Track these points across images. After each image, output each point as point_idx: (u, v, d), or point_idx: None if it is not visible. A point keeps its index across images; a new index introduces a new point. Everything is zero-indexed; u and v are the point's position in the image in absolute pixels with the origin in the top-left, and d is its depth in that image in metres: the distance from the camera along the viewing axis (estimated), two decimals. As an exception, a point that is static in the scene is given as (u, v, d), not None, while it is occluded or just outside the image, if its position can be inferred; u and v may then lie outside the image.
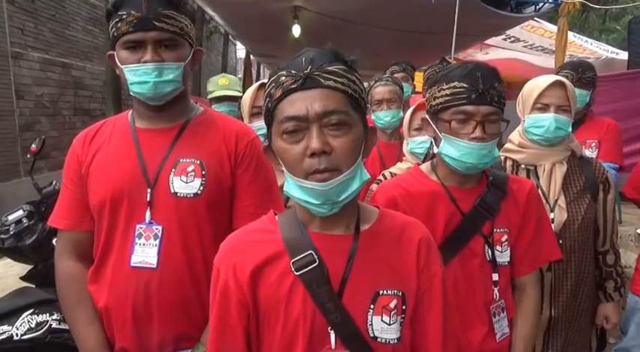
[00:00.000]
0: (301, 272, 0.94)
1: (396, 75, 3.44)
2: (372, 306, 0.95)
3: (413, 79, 3.55)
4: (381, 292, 0.96)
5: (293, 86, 0.88)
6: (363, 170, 0.94)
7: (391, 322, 0.95)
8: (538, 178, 1.79)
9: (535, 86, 1.79)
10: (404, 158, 2.21)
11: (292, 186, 0.93)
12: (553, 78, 1.78)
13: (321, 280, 0.93)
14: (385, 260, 0.98)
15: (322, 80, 0.88)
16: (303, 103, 0.88)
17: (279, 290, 0.95)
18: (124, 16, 1.22)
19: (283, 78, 0.90)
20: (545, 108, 1.76)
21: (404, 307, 0.97)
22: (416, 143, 2.09)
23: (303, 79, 0.88)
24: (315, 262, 0.94)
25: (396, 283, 0.97)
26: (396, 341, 0.96)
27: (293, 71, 0.89)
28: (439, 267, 1.03)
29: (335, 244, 0.97)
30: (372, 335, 0.95)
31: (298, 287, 0.94)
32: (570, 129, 1.79)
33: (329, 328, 0.93)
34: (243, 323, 0.98)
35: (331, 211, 0.93)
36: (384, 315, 0.95)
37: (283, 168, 0.94)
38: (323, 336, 0.94)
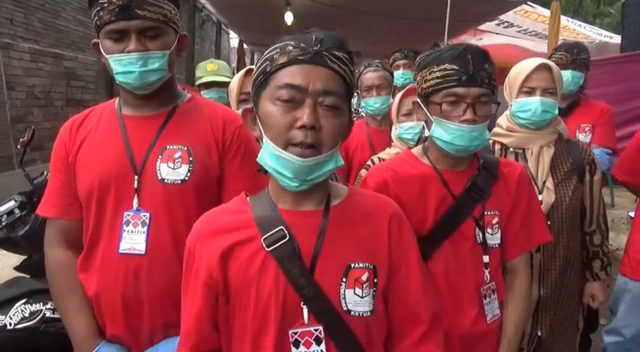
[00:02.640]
0: (272, 248, 0.95)
1: (397, 62, 3.42)
2: (344, 279, 0.96)
3: None
4: (352, 265, 0.97)
5: (301, 57, 0.90)
6: (339, 156, 0.97)
7: (364, 295, 0.97)
8: (526, 161, 1.81)
9: (521, 70, 1.79)
10: (392, 144, 2.21)
11: (268, 155, 0.93)
12: (538, 61, 1.78)
13: (292, 255, 0.95)
14: (355, 234, 1.00)
15: (329, 61, 0.91)
16: (305, 76, 0.89)
17: (250, 268, 0.96)
18: (106, 5, 1.20)
19: (291, 48, 0.91)
20: (531, 92, 1.77)
21: (375, 280, 0.99)
22: (404, 128, 2.09)
23: (312, 54, 0.90)
24: (286, 237, 0.95)
25: (367, 256, 0.99)
26: (369, 313, 0.98)
27: (302, 44, 0.91)
28: (412, 239, 1.05)
29: (305, 220, 0.99)
30: (345, 308, 0.96)
31: (270, 263, 0.96)
32: (557, 112, 1.80)
33: (302, 303, 0.95)
34: (209, 304, 1.00)
35: (299, 188, 0.94)
36: (356, 288, 0.96)
37: (261, 134, 0.94)
38: (296, 312, 0.95)
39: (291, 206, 0.99)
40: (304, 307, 0.95)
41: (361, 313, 0.97)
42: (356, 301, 0.96)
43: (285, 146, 0.90)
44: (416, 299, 1.03)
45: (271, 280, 0.95)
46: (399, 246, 1.02)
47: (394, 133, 2.17)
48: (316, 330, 0.95)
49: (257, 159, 0.96)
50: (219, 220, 1.03)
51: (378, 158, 2.17)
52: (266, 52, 0.95)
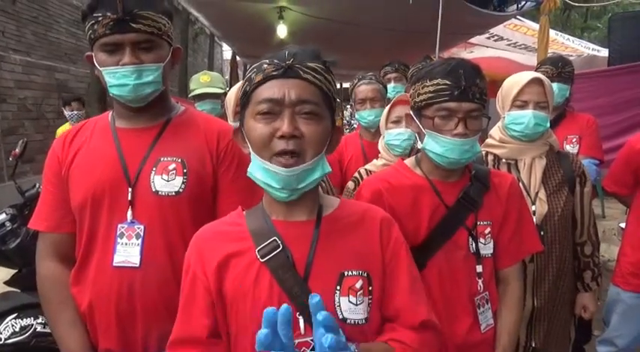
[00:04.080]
0: (266, 258, 0.97)
1: (388, 75, 3.45)
2: (338, 287, 0.97)
3: (407, 79, 3.47)
4: (346, 273, 0.98)
5: (274, 73, 0.94)
6: (325, 163, 0.98)
7: (358, 302, 0.97)
8: (519, 172, 1.83)
9: (514, 83, 1.83)
10: (379, 155, 2.23)
11: (256, 168, 0.97)
12: (531, 75, 1.81)
13: (286, 265, 0.96)
14: (348, 242, 1.01)
15: (301, 72, 0.95)
16: (280, 89, 0.93)
17: (245, 279, 0.97)
18: (100, 18, 1.20)
19: (265, 65, 0.96)
20: (524, 106, 1.80)
21: (370, 288, 1.00)
22: (392, 135, 2.11)
23: (285, 68, 0.94)
24: (279, 247, 0.97)
25: (361, 264, 1.00)
26: (364, 321, 0.98)
27: (276, 61, 0.95)
28: (402, 242, 1.06)
29: (298, 230, 1.00)
30: (341, 316, 0.96)
31: (264, 274, 0.97)
32: (548, 125, 1.84)
33: (297, 313, 0.95)
34: (209, 308, 0.99)
35: (290, 197, 0.96)
36: (350, 296, 0.97)
37: (250, 151, 0.97)
38: (292, 323, 0.95)
39: (283, 217, 1.01)
40: (300, 317, 0.95)
41: (356, 321, 0.97)
42: (351, 309, 0.97)
43: (270, 157, 0.93)
44: (402, 304, 1.01)
45: (266, 291, 0.96)
46: (388, 250, 1.03)
47: (382, 142, 2.19)
48: (312, 340, 0.94)
49: (247, 174, 0.99)
50: (216, 232, 1.05)
51: (365, 169, 2.20)
52: (247, 72, 1.00)
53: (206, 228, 1.08)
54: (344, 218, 1.04)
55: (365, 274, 0.99)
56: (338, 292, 0.97)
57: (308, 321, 0.94)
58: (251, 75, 0.97)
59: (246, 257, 0.99)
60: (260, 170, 0.95)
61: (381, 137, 2.20)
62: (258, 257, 0.97)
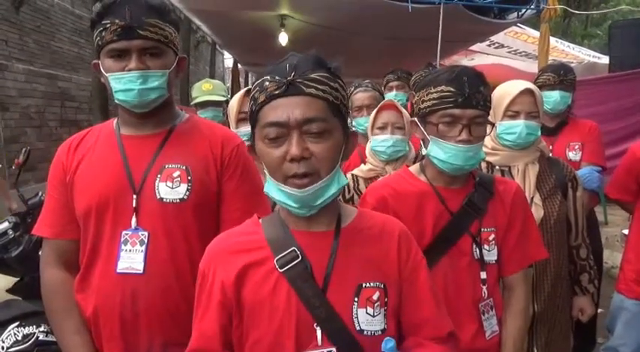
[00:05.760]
0: (285, 268, 0.96)
1: (390, 83, 3.48)
2: (356, 299, 0.97)
3: (409, 87, 3.50)
4: (364, 285, 0.98)
5: (276, 92, 0.91)
6: (341, 175, 0.97)
7: (375, 314, 0.97)
8: (513, 178, 1.85)
9: (505, 94, 1.84)
10: (366, 159, 2.23)
11: (272, 188, 0.97)
12: (522, 86, 1.83)
13: (304, 275, 0.96)
14: (366, 254, 1.01)
15: (304, 87, 0.91)
16: (284, 110, 0.91)
17: (263, 288, 0.97)
18: (108, 25, 1.22)
19: (267, 83, 0.93)
20: (515, 116, 1.82)
21: (386, 299, 0.99)
22: (378, 141, 2.12)
23: (286, 85, 0.91)
24: (298, 258, 0.96)
25: (378, 275, 0.99)
26: (380, 332, 0.97)
27: (277, 77, 0.92)
28: (421, 257, 1.06)
29: (317, 240, 0.99)
30: (358, 328, 0.96)
31: (282, 284, 0.96)
32: (539, 133, 1.86)
33: (315, 324, 0.94)
34: (221, 323, 0.99)
35: (309, 213, 0.96)
36: (368, 307, 0.97)
37: (264, 168, 0.97)
38: (309, 333, 0.95)
39: (302, 227, 1.00)
40: (317, 328, 0.94)
41: (373, 332, 0.97)
42: (368, 320, 0.96)
43: (285, 180, 0.93)
44: (429, 316, 1.03)
45: (284, 301, 0.95)
46: (408, 264, 1.03)
47: (368, 147, 2.20)
48: None
49: (264, 192, 0.99)
50: (232, 242, 1.04)
51: (352, 174, 2.20)
52: (252, 90, 0.98)
53: (221, 239, 1.07)
54: (362, 229, 1.03)
55: (382, 285, 0.99)
56: (356, 303, 0.96)
57: (325, 332, 0.94)
58: (255, 94, 0.95)
59: (264, 266, 0.98)
60: (276, 190, 0.95)
61: (368, 142, 2.21)
62: (277, 267, 0.96)
